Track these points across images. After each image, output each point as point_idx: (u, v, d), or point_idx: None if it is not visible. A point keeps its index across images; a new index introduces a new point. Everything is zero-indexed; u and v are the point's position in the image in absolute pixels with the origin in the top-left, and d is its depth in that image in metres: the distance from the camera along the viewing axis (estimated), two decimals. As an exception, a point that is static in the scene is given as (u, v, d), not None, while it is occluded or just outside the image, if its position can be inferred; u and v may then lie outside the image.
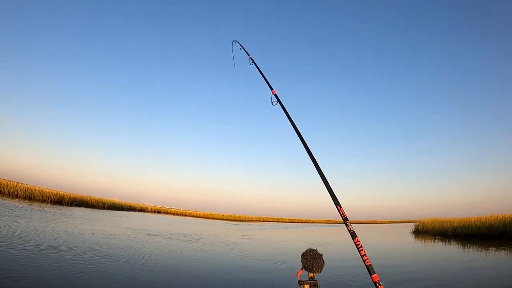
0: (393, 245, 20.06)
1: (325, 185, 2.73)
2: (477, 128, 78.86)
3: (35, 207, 22.63)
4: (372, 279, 2.15)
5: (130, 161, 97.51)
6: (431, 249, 16.53)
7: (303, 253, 2.31)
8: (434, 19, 75.36)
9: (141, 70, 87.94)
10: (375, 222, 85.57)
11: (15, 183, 32.22)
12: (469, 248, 15.68)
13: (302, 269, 2.26)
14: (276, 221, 70.02)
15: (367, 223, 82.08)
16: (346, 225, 2.43)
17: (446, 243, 18.44)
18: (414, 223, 32.10)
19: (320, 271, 2.24)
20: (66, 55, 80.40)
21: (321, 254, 2.28)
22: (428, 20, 76.43)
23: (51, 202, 31.64)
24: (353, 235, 2.34)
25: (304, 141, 3.13)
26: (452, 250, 15.47)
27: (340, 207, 2.58)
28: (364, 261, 2.21)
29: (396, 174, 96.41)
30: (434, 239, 21.51)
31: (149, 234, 15.87)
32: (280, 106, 3.58)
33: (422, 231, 27.41)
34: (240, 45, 5.44)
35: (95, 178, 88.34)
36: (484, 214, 20.98)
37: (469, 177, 79.17)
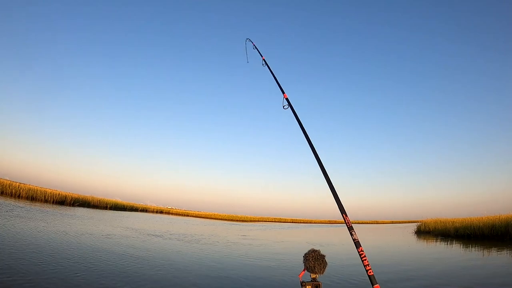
0: (395, 245, 19.94)
1: (332, 193, 2.74)
2: (480, 128, 78.38)
3: (37, 207, 22.75)
4: None
5: (133, 161, 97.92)
6: (432, 250, 16.42)
7: (305, 254, 2.28)
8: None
9: (147, 69, 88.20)
10: (377, 222, 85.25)
11: (17, 184, 32.42)
12: (471, 248, 15.55)
13: (304, 270, 2.23)
14: (278, 222, 69.94)
15: (369, 223, 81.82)
16: (351, 234, 2.42)
17: (448, 243, 18.31)
18: (416, 224, 31.98)
19: (323, 273, 2.21)
20: (68, 55, 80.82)
21: (323, 255, 2.25)
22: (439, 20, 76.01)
23: (53, 202, 31.80)
24: (357, 244, 2.34)
25: (314, 148, 3.12)
26: (453, 251, 15.35)
27: (346, 215, 2.60)
28: (367, 271, 2.19)
29: (398, 174, 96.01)
30: (436, 239, 21.38)
31: (149, 234, 15.88)
32: (291, 111, 3.58)
33: (424, 232, 27.30)
34: (254, 44, 5.45)
35: (98, 178, 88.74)
36: (487, 215, 20.86)
37: (472, 178, 78.73)
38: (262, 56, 4.83)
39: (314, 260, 2.20)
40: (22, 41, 74.23)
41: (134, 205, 53.63)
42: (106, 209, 40.62)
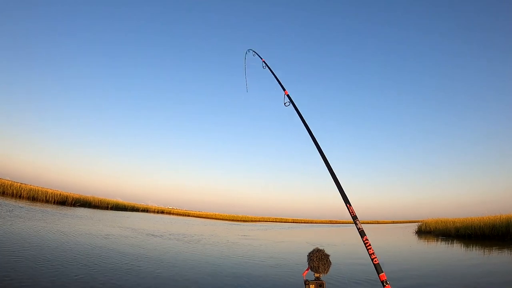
0: (396, 245, 19.92)
1: (335, 183, 2.75)
2: (480, 127, 78.12)
3: (38, 207, 22.81)
4: (379, 277, 2.14)
5: (133, 161, 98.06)
6: (433, 250, 16.39)
7: (310, 253, 2.27)
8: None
9: (147, 69, 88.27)
10: (378, 222, 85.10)
11: (18, 184, 32.54)
12: (472, 248, 15.52)
13: (308, 269, 2.23)
14: (279, 222, 69.94)
15: (370, 223, 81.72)
16: (355, 223, 2.42)
17: (449, 243, 18.27)
18: (417, 223, 31.94)
19: (327, 272, 2.20)
20: (68, 55, 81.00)
21: (328, 255, 2.25)
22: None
23: (54, 202, 31.89)
24: (361, 233, 2.34)
25: (316, 141, 3.17)
26: (454, 251, 15.32)
27: (350, 205, 2.59)
28: (372, 260, 2.20)
29: (398, 174, 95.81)
30: (437, 239, 21.34)
31: (148, 235, 15.88)
32: (293, 108, 3.59)
33: (425, 232, 27.25)
34: (254, 52, 5.59)
35: (99, 178, 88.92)
36: (488, 214, 20.80)
37: (472, 177, 78.48)
38: (262, 59, 4.91)
39: (318, 260, 2.20)
40: (22, 41, 74.47)
41: (135, 205, 53.72)
42: (107, 209, 40.70)
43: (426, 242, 20.31)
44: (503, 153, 73.43)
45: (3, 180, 32.15)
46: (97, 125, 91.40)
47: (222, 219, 59.39)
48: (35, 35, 75.80)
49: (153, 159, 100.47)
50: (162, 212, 62.67)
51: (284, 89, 3.85)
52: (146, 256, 9.28)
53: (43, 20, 74.63)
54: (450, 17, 74.52)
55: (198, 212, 70.98)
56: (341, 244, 18.36)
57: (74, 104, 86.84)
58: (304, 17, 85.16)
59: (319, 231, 36.74)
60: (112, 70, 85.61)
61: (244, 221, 59.50)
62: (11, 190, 29.90)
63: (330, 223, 79.48)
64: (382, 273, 2.14)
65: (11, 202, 22.73)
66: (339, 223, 77.34)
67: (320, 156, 3.03)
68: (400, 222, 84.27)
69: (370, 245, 2.28)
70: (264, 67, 4.80)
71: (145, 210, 56.60)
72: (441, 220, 26.06)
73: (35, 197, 30.90)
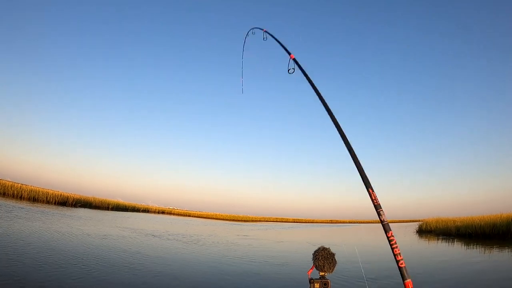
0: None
1: (355, 162, 2.34)
2: (481, 126, 77.98)
3: (38, 208, 22.85)
4: (404, 285, 1.84)
5: (135, 162, 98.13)
6: (434, 249, 16.36)
7: (315, 252, 2.25)
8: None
9: (147, 70, 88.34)
10: (378, 222, 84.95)
11: (19, 185, 32.60)
12: (473, 247, 15.49)
13: (313, 267, 2.21)
14: (279, 221, 69.93)
15: (371, 222, 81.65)
16: (379, 215, 2.04)
17: (450, 242, 18.24)
18: (417, 223, 31.88)
19: (332, 271, 2.18)
20: (69, 56, 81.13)
21: (333, 254, 2.23)
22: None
23: (55, 203, 31.95)
24: (386, 227, 1.98)
25: (329, 109, 2.73)
26: (455, 250, 15.29)
27: (373, 191, 2.15)
28: (397, 262, 1.87)
29: (399, 173, 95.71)
30: (438, 238, 21.31)
31: (147, 235, 15.88)
32: (298, 75, 3.19)
33: (426, 231, 27.20)
34: (252, 30, 5.26)
35: (100, 179, 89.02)
36: (488, 213, 20.78)
37: (473, 177, 78.36)
38: (262, 29, 4.48)
39: (323, 259, 2.18)
40: (22, 41, 74.56)
41: (136, 206, 53.77)
42: (108, 209, 40.75)
43: (427, 242, 20.28)
44: (503, 152, 73.31)
45: (3, 181, 32.21)
46: (97, 126, 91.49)
47: (223, 219, 59.41)
48: (35, 36, 75.92)
49: (153, 159, 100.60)
50: (163, 212, 62.70)
51: (289, 53, 3.45)
52: (141, 257, 9.25)
53: (43, 20, 74.74)
54: (450, 17, 74.37)
55: (199, 212, 71.03)
56: (342, 244, 18.33)
57: (74, 104, 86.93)
58: (306, 17, 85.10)
59: (319, 231, 36.72)
60: (112, 70, 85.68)
61: (244, 221, 59.51)
62: (11, 191, 29.96)
63: (331, 222, 79.49)
64: (408, 280, 1.82)
65: (12, 203, 22.77)
66: (340, 223, 77.33)
67: (336, 129, 2.56)
68: (401, 222, 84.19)
69: (396, 243, 1.90)
70: (265, 38, 4.39)
71: (146, 211, 56.64)
72: (441, 219, 26.01)
73: (35, 198, 30.95)
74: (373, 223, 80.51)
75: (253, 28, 5.32)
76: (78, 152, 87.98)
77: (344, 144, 2.48)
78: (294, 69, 3.32)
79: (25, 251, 7.77)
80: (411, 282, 1.84)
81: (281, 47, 3.77)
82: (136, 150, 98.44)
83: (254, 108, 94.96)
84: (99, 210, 36.05)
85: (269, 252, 13.14)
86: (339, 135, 2.55)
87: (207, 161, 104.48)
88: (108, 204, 42.24)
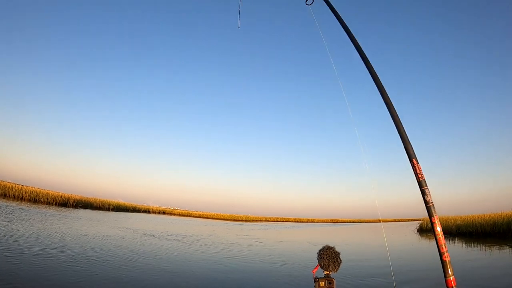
0: (398, 244, 19.88)
1: (398, 129, 2.01)
2: (481, 124, 77.88)
3: (39, 209, 22.90)
4: (446, 283, 1.65)
5: (135, 162, 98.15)
6: (435, 248, 16.34)
7: (320, 250, 2.25)
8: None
9: (147, 70, 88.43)
10: (379, 221, 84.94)
11: (20, 186, 32.65)
12: (473, 246, 15.49)
13: (317, 266, 2.21)
14: (280, 221, 69.93)
15: (372, 221, 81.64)
16: (423, 194, 1.71)
17: (451, 241, 18.23)
18: (418, 222, 31.85)
19: (337, 270, 2.18)
20: (69, 56, 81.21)
21: (338, 253, 2.22)
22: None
23: (56, 204, 32.03)
24: (430, 210, 1.69)
25: (361, 50, 2.29)
26: (456, 249, 15.28)
27: (417, 162, 1.81)
28: (441, 255, 1.66)
29: (399, 172, 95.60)
30: (438, 237, 21.29)
31: (145, 235, 15.87)
32: (316, 8, 2.75)
33: (427, 229, 27.17)
34: None
35: (100, 180, 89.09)
36: (489, 212, 20.77)
37: (474, 176, 78.26)
38: None
39: (328, 258, 2.18)
40: (23, 42, 74.65)
41: (137, 206, 53.83)
42: (109, 210, 40.82)
43: (428, 240, 20.28)
44: (503, 151, 73.19)
45: (4, 183, 32.27)
46: (97, 126, 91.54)
47: (223, 219, 59.42)
48: (35, 36, 76.01)
49: (154, 159, 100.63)
50: (163, 212, 62.73)
51: None
52: (139, 258, 9.23)
53: (43, 20, 74.83)
54: (451, 16, 74.22)
55: (199, 213, 71.04)
56: (343, 243, 18.33)
57: (75, 105, 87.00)
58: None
59: (320, 231, 36.71)
60: (112, 71, 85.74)
61: (245, 221, 59.51)
62: (12, 192, 30.03)
63: (332, 222, 79.49)
64: (450, 278, 1.61)
65: (13, 204, 22.80)
66: (340, 222, 77.33)
67: (371, 76, 2.17)
68: (402, 221, 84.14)
69: (439, 231, 1.62)
70: None
71: (146, 211, 56.70)
72: (442, 218, 25.96)
73: (36, 199, 31.03)
74: (374, 222, 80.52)
75: None
76: (79, 153, 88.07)
77: (383, 101, 2.10)
78: None
79: (25, 252, 7.78)
80: (454, 280, 1.62)
81: None
82: (136, 150, 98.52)
83: (254, 107, 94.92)
84: (99, 211, 36.10)
85: (269, 252, 13.13)
86: (373, 82, 2.15)
87: (207, 161, 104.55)
88: (109, 205, 42.29)
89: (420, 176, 1.72)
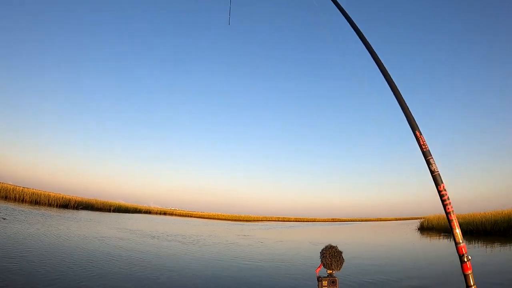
0: (400, 243, 19.92)
1: (400, 103, 2.09)
2: (481, 124, 77.79)
3: (40, 211, 22.94)
4: (457, 250, 1.76)
5: (136, 163, 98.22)
6: (436, 247, 16.39)
7: (322, 250, 2.26)
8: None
9: (147, 71, 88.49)
10: (380, 220, 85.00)
11: (21, 188, 32.72)
12: (474, 244, 15.49)
13: (321, 265, 2.23)
14: (281, 221, 69.96)
15: (372, 220, 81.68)
16: (428, 163, 1.82)
17: (451, 239, 18.21)
18: (419, 220, 31.86)
19: (340, 269, 2.19)
20: (70, 57, 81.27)
21: (341, 252, 2.24)
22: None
23: (57, 206, 32.09)
24: (436, 179, 1.79)
25: (365, 38, 2.37)
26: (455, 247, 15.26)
27: (420, 134, 1.90)
28: (450, 222, 1.74)
29: (399, 171, 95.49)
30: (440, 236, 21.30)
31: (145, 236, 15.88)
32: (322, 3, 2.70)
33: (427, 228, 27.15)
34: None
35: (102, 181, 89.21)
36: (489, 210, 20.77)
37: (474, 173, 78.16)
38: None
39: (331, 257, 2.19)
40: (24, 42, 74.77)
41: (138, 207, 53.89)
42: (110, 211, 40.88)
43: (429, 239, 20.28)
44: (504, 149, 73.06)
45: (5, 185, 32.36)
46: (97, 127, 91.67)
47: (225, 219, 59.47)
48: (35, 37, 76.11)
49: (154, 160, 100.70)
50: (165, 213, 62.75)
51: None
52: (137, 259, 9.22)
53: (42, 21, 74.89)
54: (451, 16, 74.05)
55: (201, 213, 71.09)
56: (344, 243, 18.35)
57: (75, 106, 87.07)
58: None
59: (321, 230, 36.72)
60: (112, 72, 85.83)
61: (246, 221, 59.55)
62: (13, 194, 30.10)
63: (333, 221, 79.50)
64: (461, 245, 1.72)
65: (14, 206, 22.85)
66: (341, 221, 77.33)
67: (374, 61, 2.26)
68: (403, 219, 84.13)
69: (448, 198, 1.71)
70: None
71: (148, 212, 56.75)
72: (443, 217, 25.86)
73: (37, 200, 31.10)
74: (375, 220, 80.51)
75: None
76: (79, 155, 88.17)
77: (383, 77, 2.19)
78: None
79: (24, 254, 7.80)
80: (465, 247, 1.72)
81: None
82: (136, 151, 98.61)
83: (255, 107, 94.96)
84: (101, 212, 36.18)
85: (271, 251, 13.15)
86: (377, 67, 2.23)
87: (208, 161, 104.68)
88: (110, 206, 42.36)
89: (424, 147, 1.83)
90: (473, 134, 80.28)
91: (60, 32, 77.03)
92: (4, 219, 14.27)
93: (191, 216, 62.41)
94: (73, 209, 33.45)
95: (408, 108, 2.07)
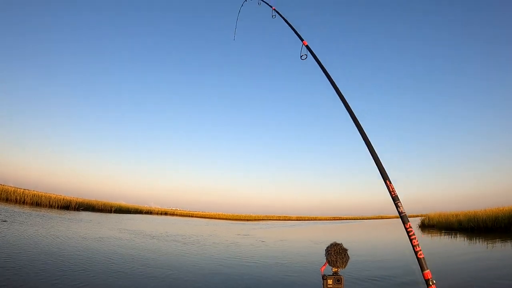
0: (401, 241, 19.89)
1: (371, 153, 2.39)
2: (482, 121, 77.61)
3: (40, 212, 22.97)
4: (423, 276, 1.96)
5: (138, 164, 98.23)
6: (437, 244, 16.36)
7: (327, 247, 2.27)
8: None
9: (147, 71, 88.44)
10: (382, 218, 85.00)
11: (22, 190, 32.78)
12: (475, 241, 15.47)
13: (326, 263, 2.23)
14: (282, 220, 69.99)
15: (373, 218, 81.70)
16: (397, 206, 2.12)
17: (452, 237, 18.22)
18: (420, 218, 31.84)
19: (345, 267, 2.19)
20: (70, 58, 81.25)
21: (346, 249, 2.24)
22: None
23: (58, 207, 32.15)
24: (404, 219, 2.07)
25: (344, 98, 2.73)
26: (458, 244, 15.27)
27: (390, 182, 2.21)
28: (416, 253, 1.98)
29: (399, 169, 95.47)
30: (441, 233, 21.28)
31: (144, 237, 15.88)
32: (310, 62, 3.17)
33: (429, 226, 27.13)
34: (262, 1, 4.94)
35: (102, 182, 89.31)
36: (491, 207, 20.73)
37: (475, 171, 78.01)
38: (271, 7, 4.35)
39: (336, 254, 2.19)
40: (25, 43, 74.79)
41: (139, 208, 53.93)
42: (111, 212, 40.95)
43: (430, 236, 20.26)
44: (505, 145, 72.90)
45: (6, 187, 32.41)
46: (97, 127, 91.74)
47: (226, 219, 59.52)
48: (36, 37, 76.04)
49: (155, 160, 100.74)
50: (166, 213, 62.83)
51: (302, 39, 3.37)
52: (135, 259, 9.21)
53: (43, 21, 74.88)
54: (452, 15, 73.77)
55: (202, 213, 71.17)
56: (345, 241, 18.30)
57: (75, 107, 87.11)
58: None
59: (323, 229, 36.73)
60: (112, 73, 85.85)
61: (247, 220, 59.60)
62: (14, 197, 30.17)
63: (334, 220, 79.52)
64: (426, 271, 1.95)
65: (15, 208, 22.88)
66: (342, 220, 77.35)
67: (351, 118, 2.57)
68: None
69: (414, 234, 2.00)
70: (274, 16, 4.24)
71: (149, 212, 56.79)
72: (444, 214, 25.92)
73: (38, 202, 31.18)
74: (376, 218, 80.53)
75: (259, 1, 5.06)
76: (80, 156, 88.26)
77: (360, 134, 2.49)
78: (306, 55, 3.25)
79: (24, 256, 7.80)
80: (429, 272, 1.94)
81: (291, 30, 3.70)
82: (136, 151, 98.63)
83: (255, 106, 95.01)
84: (102, 213, 36.24)
85: (272, 251, 13.15)
86: (353, 124, 2.55)
87: (208, 161, 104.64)
88: (111, 207, 42.43)
89: (393, 193, 2.15)
90: (474, 131, 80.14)
91: (60, 31, 77.03)
92: (5, 221, 14.27)
93: (192, 216, 62.48)
94: (74, 210, 33.51)
95: (379, 160, 2.34)
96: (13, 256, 7.59)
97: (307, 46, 3.32)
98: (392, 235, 25.42)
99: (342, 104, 2.73)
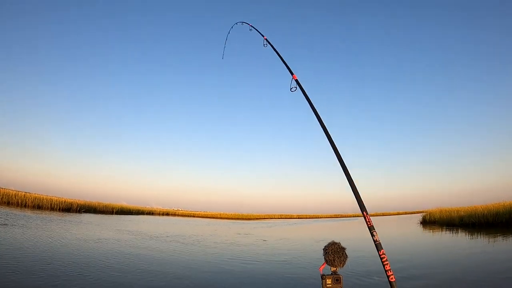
0: (403, 237, 19.91)
1: (350, 185, 2.58)
2: (482, 118, 77.54)
3: (42, 215, 22.99)
4: (389, 280, 2.11)
5: (138, 164, 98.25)
6: (439, 240, 16.37)
7: (325, 246, 2.26)
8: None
9: (144, 71, 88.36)
10: (383, 214, 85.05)
11: (23, 193, 32.80)
12: (476, 236, 15.48)
13: (324, 263, 2.22)
14: (284, 218, 70.07)
15: (374, 215, 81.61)
16: (372, 235, 2.32)
17: (454, 232, 18.24)
18: (421, 214, 31.87)
19: (343, 266, 2.19)
20: (71, 59, 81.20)
21: (344, 248, 2.23)
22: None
23: (59, 210, 32.18)
24: (378, 246, 2.26)
25: (328, 133, 2.90)
26: (459, 240, 15.29)
27: (367, 214, 2.45)
28: (388, 277, 2.14)
29: (400, 166, 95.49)
30: (442, 229, 21.31)
31: (144, 237, 15.88)
32: (300, 94, 3.28)
33: (430, 222, 27.17)
34: (251, 26, 5.04)
35: (104, 184, 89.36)
36: (491, 202, 20.76)
37: (475, 167, 78.01)
38: (263, 36, 4.41)
39: (334, 253, 2.18)
40: (26, 43, 74.73)
41: (140, 209, 53.94)
42: (113, 213, 40.98)
43: (432, 233, 20.28)
44: (505, 141, 72.80)
45: (7, 190, 32.43)
46: (97, 128, 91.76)
47: (227, 218, 59.55)
48: (39, 38, 75.94)
49: (155, 161, 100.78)
50: (167, 214, 62.85)
51: (292, 73, 3.46)
52: (135, 260, 9.20)
53: (43, 21, 74.80)
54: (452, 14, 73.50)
55: (203, 213, 71.22)
56: (347, 239, 18.37)
57: (75, 107, 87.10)
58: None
59: (324, 226, 36.77)
60: (112, 73, 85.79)
61: (248, 219, 59.64)
62: (15, 200, 30.18)
63: (335, 217, 79.56)
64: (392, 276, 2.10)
65: (16, 212, 22.91)
66: (344, 217, 77.40)
67: (333, 150, 2.77)
68: (405, 213, 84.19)
69: (386, 260, 2.19)
70: (266, 45, 4.31)
71: (150, 213, 56.81)
72: (445, 210, 25.95)
73: (40, 205, 31.19)
74: (377, 215, 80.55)
75: (250, 27, 5.11)
76: (80, 157, 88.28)
77: (342, 169, 2.67)
78: (296, 88, 3.35)
79: (24, 258, 7.81)
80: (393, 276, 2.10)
81: (282, 63, 3.78)
82: (137, 152, 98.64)
83: (255, 106, 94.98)
84: (103, 215, 36.27)
85: (274, 250, 13.17)
86: (337, 159, 2.73)
87: (208, 161, 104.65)
88: (113, 208, 42.45)
89: (369, 223, 2.37)
90: (474, 127, 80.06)
91: (61, 32, 76.99)
92: (5, 225, 14.30)
93: (193, 216, 62.53)
94: (76, 212, 33.55)
95: (358, 192, 2.55)
96: (13, 259, 7.60)
97: (296, 80, 3.39)
98: (392, 234, 25.44)
99: (327, 140, 2.89)
